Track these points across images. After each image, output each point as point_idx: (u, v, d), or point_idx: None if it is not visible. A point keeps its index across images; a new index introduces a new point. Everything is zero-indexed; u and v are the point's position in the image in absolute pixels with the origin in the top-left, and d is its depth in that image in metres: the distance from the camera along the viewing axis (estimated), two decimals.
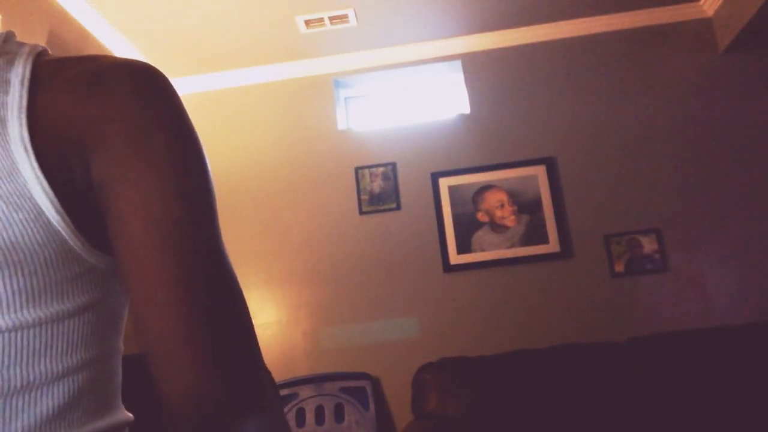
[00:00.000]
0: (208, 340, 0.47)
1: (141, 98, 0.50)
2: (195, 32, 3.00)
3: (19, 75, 0.49)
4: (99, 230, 0.50)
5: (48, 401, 0.48)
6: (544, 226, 3.05)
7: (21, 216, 0.46)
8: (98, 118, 0.49)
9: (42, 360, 0.48)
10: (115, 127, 0.49)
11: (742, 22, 2.88)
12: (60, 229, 0.47)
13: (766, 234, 2.97)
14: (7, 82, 0.49)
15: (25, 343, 0.47)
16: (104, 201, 0.49)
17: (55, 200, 0.47)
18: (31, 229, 0.46)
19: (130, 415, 0.57)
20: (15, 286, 0.46)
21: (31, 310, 0.47)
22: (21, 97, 0.48)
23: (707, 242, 2.99)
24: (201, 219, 0.50)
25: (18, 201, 0.46)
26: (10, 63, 0.50)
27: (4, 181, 0.46)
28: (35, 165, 0.46)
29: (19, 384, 0.46)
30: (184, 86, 3.41)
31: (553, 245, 3.03)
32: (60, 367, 0.49)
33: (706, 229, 3.00)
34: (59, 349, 0.49)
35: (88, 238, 0.50)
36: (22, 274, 0.46)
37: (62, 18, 2.58)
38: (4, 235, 0.45)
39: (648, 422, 2.46)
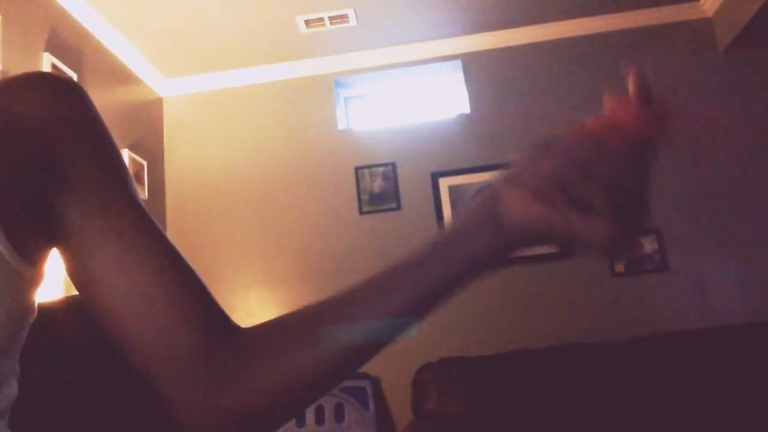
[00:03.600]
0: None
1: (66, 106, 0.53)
2: (195, 32, 3.00)
3: None
4: (28, 239, 0.49)
5: None
6: None
7: None
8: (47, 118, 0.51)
9: None
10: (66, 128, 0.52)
11: (742, 22, 2.88)
12: None
13: (766, 234, 2.97)
14: None
15: None
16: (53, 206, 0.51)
17: None
18: None
19: None
20: None
21: None
22: None
23: (707, 242, 2.99)
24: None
25: None
26: None
27: None
28: None
29: None
30: (185, 86, 3.41)
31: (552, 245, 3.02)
32: None
33: (706, 229, 3.00)
34: None
35: (14, 241, 0.47)
36: None
37: (62, 18, 2.58)
38: None
39: (648, 422, 2.46)
